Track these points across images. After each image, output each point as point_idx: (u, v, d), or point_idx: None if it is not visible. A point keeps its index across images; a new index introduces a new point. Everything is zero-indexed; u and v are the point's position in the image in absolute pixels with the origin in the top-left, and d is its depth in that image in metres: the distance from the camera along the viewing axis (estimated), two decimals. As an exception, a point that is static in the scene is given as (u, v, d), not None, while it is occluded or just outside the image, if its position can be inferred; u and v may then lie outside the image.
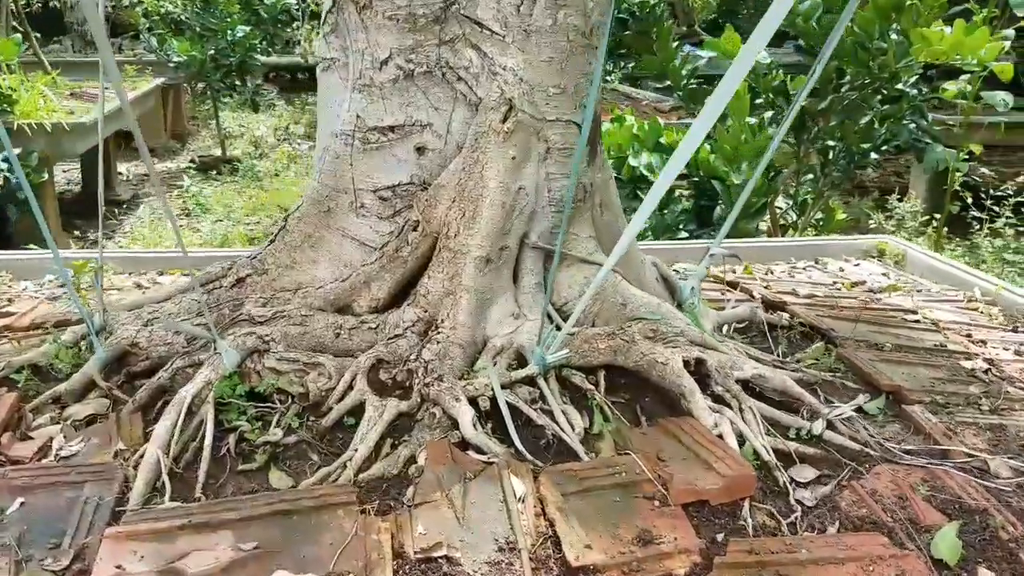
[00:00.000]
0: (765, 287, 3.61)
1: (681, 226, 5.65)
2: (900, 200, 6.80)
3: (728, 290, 3.56)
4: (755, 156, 5.44)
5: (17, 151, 6.22)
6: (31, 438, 2.24)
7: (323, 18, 2.67)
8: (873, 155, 5.80)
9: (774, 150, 2.79)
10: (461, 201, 2.51)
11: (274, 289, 2.70)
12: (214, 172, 8.97)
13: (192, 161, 9.79)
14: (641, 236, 4.77)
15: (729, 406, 2.34)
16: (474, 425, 2.19)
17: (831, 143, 5.69)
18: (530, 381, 2.41)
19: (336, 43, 2.63)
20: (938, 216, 6.05)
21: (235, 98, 11.11)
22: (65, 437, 2.24)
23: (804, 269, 4.16)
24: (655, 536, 1.85)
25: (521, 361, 2.47)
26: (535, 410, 2.30)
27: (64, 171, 9.09)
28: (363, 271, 2.65)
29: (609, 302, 2.66)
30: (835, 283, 3.86)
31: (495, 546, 1.82)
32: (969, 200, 6.12)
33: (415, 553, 1.79)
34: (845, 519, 2.02)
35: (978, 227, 6.23)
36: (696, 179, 5.69)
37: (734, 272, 3.85)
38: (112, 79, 1.87)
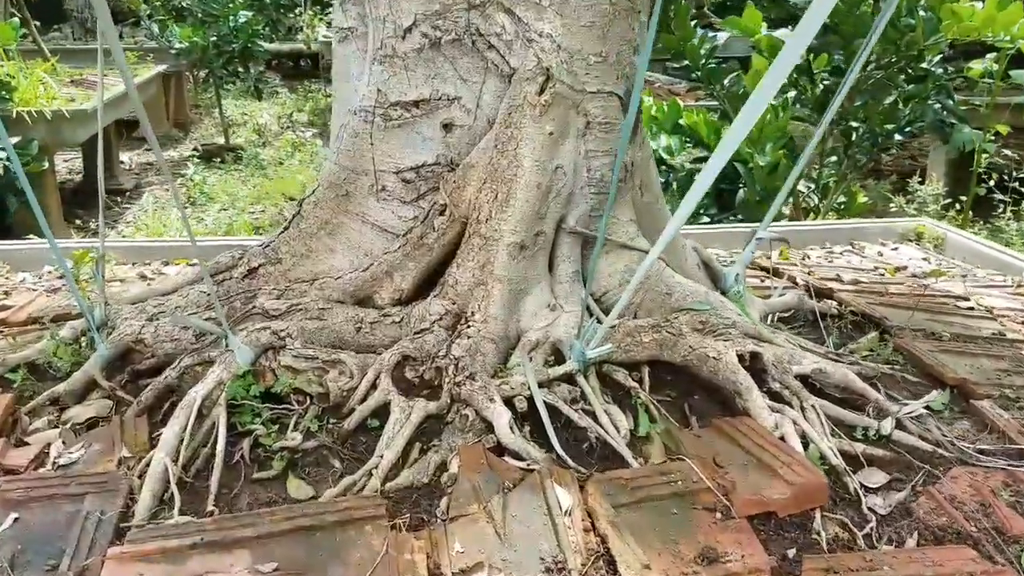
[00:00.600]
0: (808, 273, 3.43)
1: (702, 210, 5.54)
2: (921, 183, 6.67)
3: (767, 277, 3.38)
4: (778, 137, 5.32)
5: (17, 139, 6.16)
6: (27, 444, 2.13)
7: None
8: (897, 136, 5.68)
9: (819, 137, 2.62)
10: (492, 182, 2.36)
11: (289, 280, 2.58)
12: (217, 160, 8.90)
13: (195, 149, 9.72)
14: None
15: (789, 404, 2.18)
16: (511, 428, 2.03)
17: (854, 124, 5.58)
18: (569, 379, 2.26)
19: (354, 11, 2.48)
20: (963, 198, 5.90)
21: (238, 85, 11.09)
22: (64, 443, 2.13)
23: (841, 254, 4.02)
24: (720, 553, 1.70)
25: (558, 357, 2.33)
26: (576, 411, 2.14)
27: (65, 160, 9.01)
28: (385, 260, 2.51)
29: (652, 291, 2.50)
30: (876, 268, 3.72)
31: (542, 566, 1.67)
32: (992, 182, 6.04)
33: (454, 574, 1.64)
34: (924, 529, 1.87)
35: (1001, 209, 6.14)
36: (717, 162, 5.55)
37: (768, 258, 3.67)
38: (118, 63, 1.77)
